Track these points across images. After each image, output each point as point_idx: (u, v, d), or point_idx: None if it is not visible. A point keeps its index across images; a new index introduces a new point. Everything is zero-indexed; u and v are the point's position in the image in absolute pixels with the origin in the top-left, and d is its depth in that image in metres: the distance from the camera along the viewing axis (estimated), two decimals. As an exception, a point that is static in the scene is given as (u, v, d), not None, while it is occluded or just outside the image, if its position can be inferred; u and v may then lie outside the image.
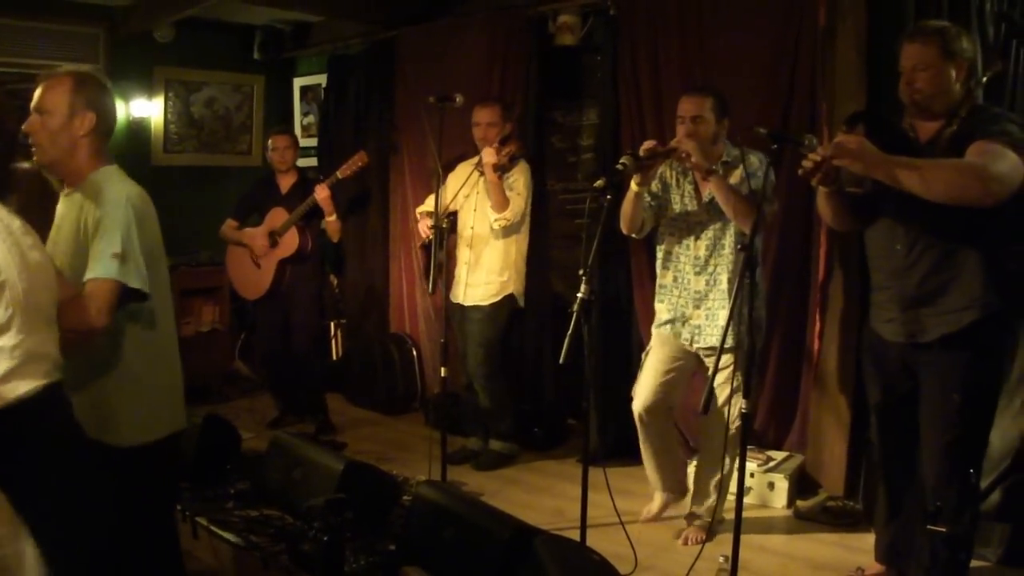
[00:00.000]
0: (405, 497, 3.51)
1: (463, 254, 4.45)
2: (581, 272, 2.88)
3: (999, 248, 2.66)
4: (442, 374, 4.04)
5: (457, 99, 4.07)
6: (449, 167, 4.51)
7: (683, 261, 3.47)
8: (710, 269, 3.42)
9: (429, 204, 4.61)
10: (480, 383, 4.45)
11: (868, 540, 3.26)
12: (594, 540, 3.02)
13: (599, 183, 2.97)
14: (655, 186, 3.49)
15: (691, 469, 3.73)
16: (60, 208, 2.43)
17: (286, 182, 5.07)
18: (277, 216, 4.98)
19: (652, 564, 3.30)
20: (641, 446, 3.62)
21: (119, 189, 2.33)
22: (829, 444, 3.84)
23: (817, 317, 3.88)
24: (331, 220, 4.93)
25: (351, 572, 2.94)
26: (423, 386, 5.62)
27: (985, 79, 2.84)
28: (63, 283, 2.15)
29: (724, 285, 3.39)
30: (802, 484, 3.93)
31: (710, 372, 2.78)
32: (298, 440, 3.79)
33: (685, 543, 3.48)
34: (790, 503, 3.85)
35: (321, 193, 4.82)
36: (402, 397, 5.59)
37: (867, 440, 3.38)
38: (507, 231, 4.32)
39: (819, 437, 3.90)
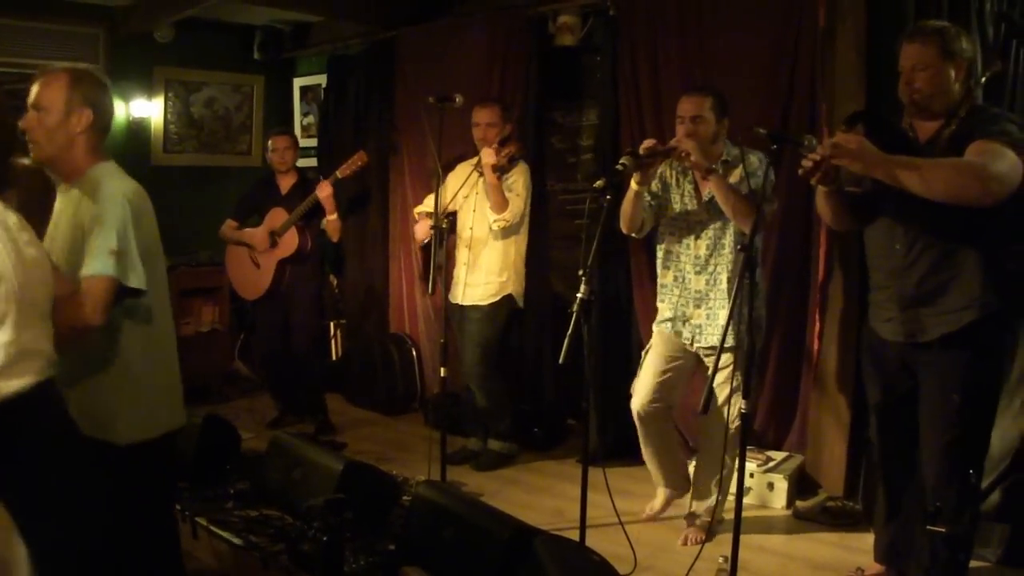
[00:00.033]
0: (405, 497, 3.50)
1: (462, 254, 4.45)
2: (581, 272, 2.88)
3: (998, 248, 2.66)
4: (442, 374, 4.04)
5: (457, 99, 4.07)
6: (449, 167, 4.51)
7: (683, 261, 3.47)
8: (710, 269, 3.42)
9: (428, 204, 4.62)
10: (476, 383, 4.45)
11: (868, 540, 3.26)
12: (594, 540, 3.02)
13: (599, 183, 2.97)
14: (655, 185, 3.49)
15: (691, 469, 3.72)
16: (58, 204, 2.43)
17: (286, 183, 5.07)
18: (277, 216, 4.98)
19: (651, 564, 3.30)
20: (641, 445, 3.63)
21: (116, 185, 2.33)
22: (829, 444, 3.84)
23: (817, 317, 3.88)
24: (332, 219, 4.93)
25: (351, 572, 2.94)
26: (423, 386, 5.62)
27: (984, 79, 2.84)
28: (59, 279, 2.15)
29: (724, 285, 3.39)
30: (802, 484, 3.93)
31: (710, 372, 2.78)
32: (298, 440, 3.79)
33: (685, 543, 3.48)
34: (790, 503, 3.85)
35: (324, 191, 4.82)
36: (402, 397, 5.59)
37: (867, 440, 3.38)
38: (506, 232, 4.32)
39: (819, 437, 3.90)
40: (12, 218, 1.96)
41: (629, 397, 3.61)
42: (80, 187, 2.35)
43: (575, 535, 3.00)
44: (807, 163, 2.64)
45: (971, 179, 2.47)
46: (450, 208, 4.41)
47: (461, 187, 4.41)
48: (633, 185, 3.32)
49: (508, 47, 4.95)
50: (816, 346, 3.88)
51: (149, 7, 5.67)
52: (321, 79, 6.35)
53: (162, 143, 6.30)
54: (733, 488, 2.94)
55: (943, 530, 2.64)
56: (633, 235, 3.55)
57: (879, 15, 3.58)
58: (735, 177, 3.32)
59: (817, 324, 3.87)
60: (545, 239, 4.93)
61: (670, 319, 3.51)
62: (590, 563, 2.74)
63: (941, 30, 2.68)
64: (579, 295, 2.85)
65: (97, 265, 2.21)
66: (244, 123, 6.69)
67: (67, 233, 2.34)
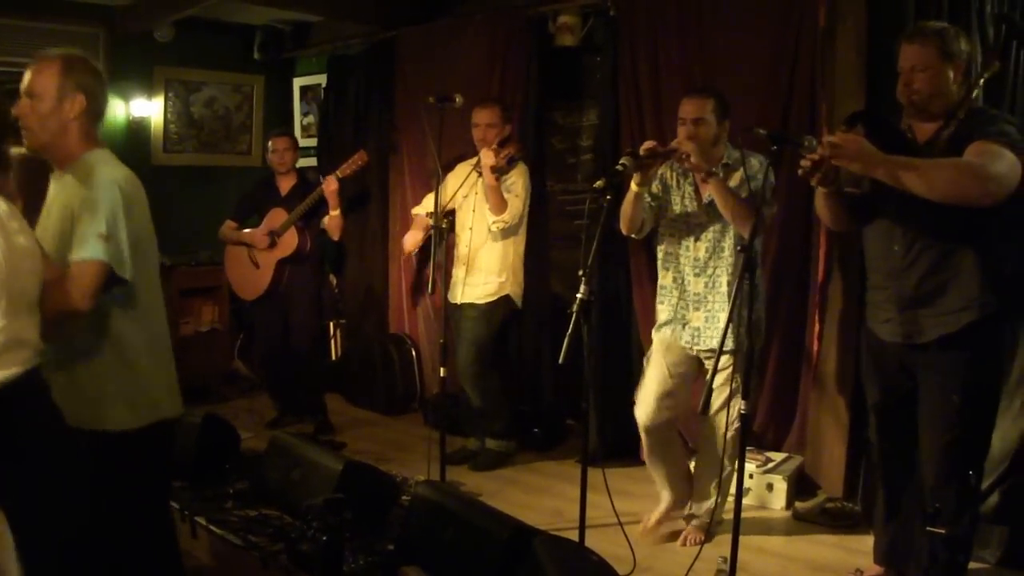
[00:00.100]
0: (404, 497, 3.50)
1: (461, 254, 4.45)
2: (580, 273, 2.87)
3: (997, 249, 2.66)
4: (441, 374, 4.04)
5: (457, 99, 4.07)
6: (448, 167, 4.51)
7: (682, 262, 3.47)
8: (709, 271, 3.41)
9: (427, 204, 4.62)
10: (470, 382, 4.45)
11: (867, 542, 3.26)
12: (593, 541, 3.02)
13: (599, 184, 2.97)
14: (655, 187, 3.49)
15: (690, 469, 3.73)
16: (51, 190, 2.42)
17: (286, 184, 5.07)
18: (277, 216, 4.98)
19: (650, 565, 3.30)
20: (646, 456, 3.59)
21: (108, 172, 2.32)
22: (828, 445, 3.84)
23: (816, 318, 3.88)
24: (334, 215, 4.92)
25: (350, 572, 2.94)
26: (422, 386, 5.62)
27: (983, 80, 2.84)
28: (49, 265, 2.14)
29: (724, 288, 3.38)
30: (801, 485, 3.93)
31: (709, 373, 2.78)
32: (297, 440, 3.79)
33: (684, 544, 3.48)
34: (789, 504, 3.85)
35: (330, 186, 4.82)
36: (401, 397, 5.59)
37: (866, 441, 3.38)
38: (505, 233, 4.32)
39: (818, 438, 3.90)
40: (2, 207, 1.96)
41: (629, 398, 3.60)
42: (73, 173, 2.34)
43: (574, 535, 3.00)
44: (806, 163, 2.64)
45: (971, 180, 2.47)
46: (449, 206, 4.41)
47: (460, 187, 4.41)
48: (633, 186, 3.32)
49: (508, 47, 4.95)
50: (816, 347, 3.88)
51: (149, 7, 5.67)
52: (321, 79, 6.34)
53: (162, 143, 6.30)
54: (732, 489, 2.94)
55: (942, 531, 2.64)
56: (633, 236, 3.54)
57: (879, 15, 3.58)
58: (735, 180, 3.32)
59: (817, 325, 3.87)
60: (545, 239, 4.93)
61: (668, 322, 3.50)
62: (589, 563, 2.74)
63: (940, 31, 2.68)
64: (579, 295, 2.85)
65: (87, 250, 2.20)
66: (244, 123, 6.69)
67: (58, 219, 2.32)
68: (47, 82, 2.31)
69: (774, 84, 3.94)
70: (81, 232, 2.22)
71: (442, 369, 4.02)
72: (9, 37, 5.33)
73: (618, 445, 4.35)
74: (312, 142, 6.47)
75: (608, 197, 2.95)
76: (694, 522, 3.54)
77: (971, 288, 2.63)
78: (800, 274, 3.98)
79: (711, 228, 3.39)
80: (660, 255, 3.55)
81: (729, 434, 3.30)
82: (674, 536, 3.55)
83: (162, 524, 2.64)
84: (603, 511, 3.25)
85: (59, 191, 2.38)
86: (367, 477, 3.47)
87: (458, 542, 2.90)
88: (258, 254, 5.04)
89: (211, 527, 3.38)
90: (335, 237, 5.07)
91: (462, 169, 4.50)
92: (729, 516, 3.06)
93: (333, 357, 6.23)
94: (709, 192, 3.32)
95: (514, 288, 4.44)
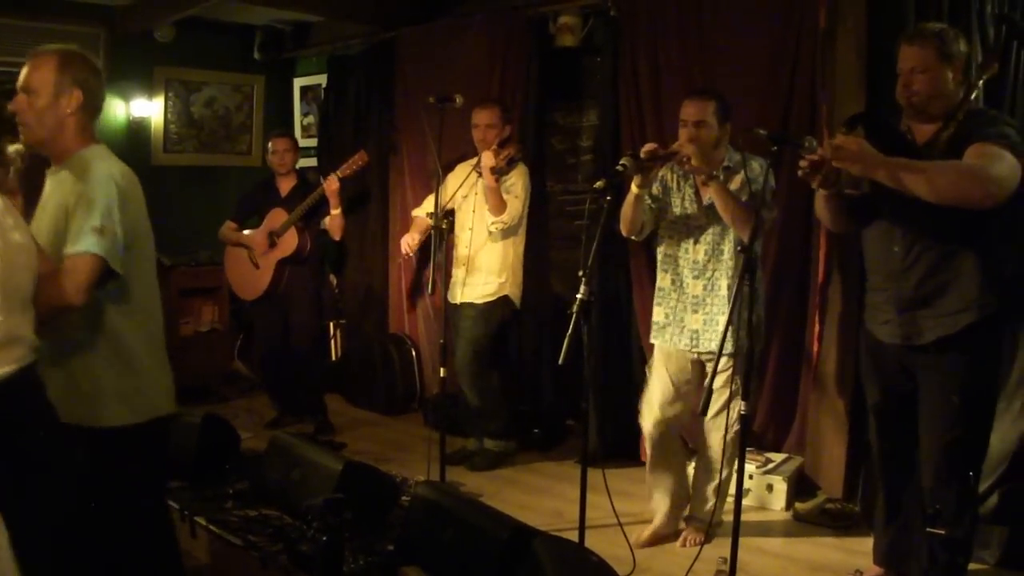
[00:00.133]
0: (404, 498, 3.51)
1: (460, 255, 4.45)
2: (580, 273, 2.87)
3: (997, 250, 2.66)
4: (441, 375, 4.04)
5: (457, 100, 4.07)
6: (449, 168, 4.52)
7: (681, 265, 3.46)
8: (708, 274, 3.40)
9: (427, 206, 4.62)
10: (468, 382, 4.45)
11: (867, 543, 3.25)
12: (592, 541, 3.01)
13: (599, 184, 2.96)
14: (656, 188, 3.48)
15: (690, 470, 3.72)
16: (47, 185, 2.42)
17: (286, 185, 5.08)
18: (277, 217, 4.98)
19: (650, 566, 3.30)
20: (649, 466, 3.57)
21: (104, 167, 2.31)
22: (828, 446, 3.84)
23: (816, 319, 3.88)
24: (335, 214, 4.92)
25: (350, 572, 2.94)
26: (422, 386, 5.62)
27: (981, 82, 2.84)
28: (44, 260, 2.14)
29: (723, 292, 3.37)
30: (801, 486, 3.92)
31: (709, 375, 2.78)
32: (297, 440, 3.79)
33: (683, 545, 3.48)
34: (789, 505, 3.85)
35: (331, 185, 4.82)
36: (401, 397, 5.59)
37: (866, 442, 3.38)
38: (504, 233, 4.33)
39: (818, 439, 3.90)
40: None
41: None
42: (69, 168, 2.34)
43: (574, 536, 3.00)
44: (804, 163, 2.65)
45: (972, 182, 2.47)
46: (449, 206, 4.41)
47: (460, 187, 4.41)
48: (634, 188, 3.32)
49: (508, 48, 4.95)
50: (816, 348, 3.88)
51: (149, 7, 5.67)
52: (321, 79, 6.35)
53: (162, 143, 6.30)
54: (732, 490, 2.93)
55: (942, 532, 2.64)
56: (633, 238, 3.54)
57: (879, 16, 3.58)
58: (736, 183, 3.31)
59: (817, 326, 3.87)
60: (545, 240, 4.93)
61: (665, 325, 3.49)
62: (589, 564, 2.74)
63: (939, 32, 2.68)
64: (579, 296, 2.85)
65: (81, 243, 2.19)
66: (244, 123, 6.69)
67: (53, 214, 2.32)
68: (44, 78, 2.31)
69: (774, 85, 3.94)
70: (76, 226, 2.21)
71: (442, 369, 4.03)
72: (9, 37, 5.33)
73: (618, 446, 4.36)
74: (312, 142, 6.47)
75: (608, 198, 2.95)
76: (694, 523, 3.54)
77: (971, 290, 2.63)
78: (800, 275, 3.97)
79: (710, 230, 3.39)
80: (659, 257, 3.55)
81: (729, 436, 3.30)
82: (674, 537, 3.55)
83: (159, 521, 2.63)
84: (603, 511, 3.25)
85: (55, 187, 2.37)
86: (367, 477, 3.47)
87: (458, 542, 2.90)
88: (258, 255, 5.04)
89: (211, 527, 3.38)
90: (336, 237, 5.07)
91: (462, 170, 4.50)
92: (729, 517, 3.06)
93: (333, 357, 6.23)
94: (709, 195, 3.32)
95: (513, 289, 4.44)
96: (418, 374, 5.63)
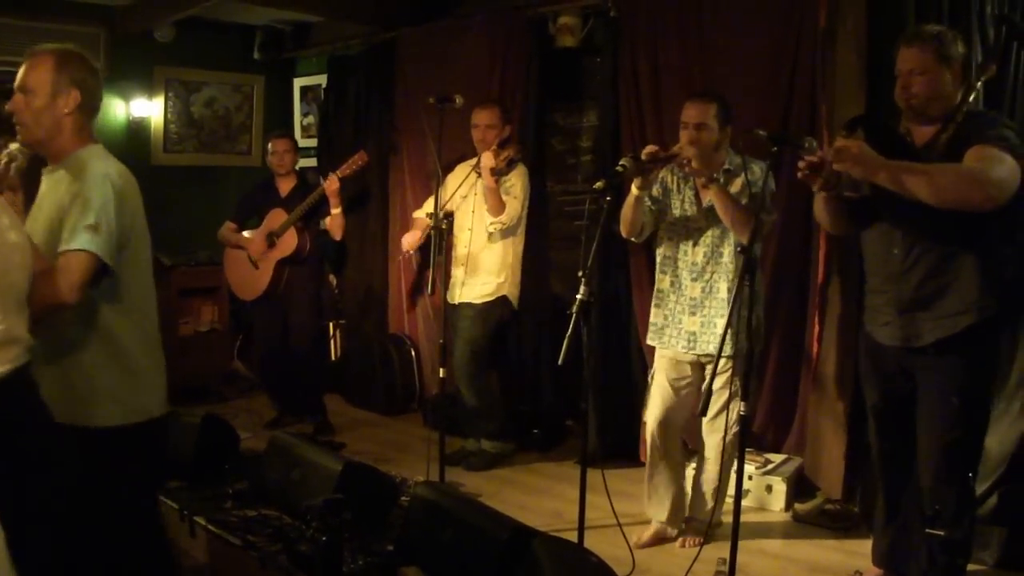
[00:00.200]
0: (403, 498, 3.50)
1: (459, 255, 4.45)
2: (580, 273, 2.88)
3: (997, 252, 2.67)
4: (441, 375, 4.04)
5: (457, 100, 4.07)
6: (448, 168, 4.52)
7: (680, 266, 3.45)
8: (706, 276, 3.40)
9: (428, 207, 4.62)
10: (465, 382, 4.45)
11: (866, 544, 3.25)
12: (592, 542, 3.01)
13: (599, 185, 2.96)
14: (656, 190, 3.48)
15: (689, 472, 3.72)
16: (43, 185, 2.41)
17: (285, 185, 5.08)
18: (276, 217, 4.98)
19: (649, 566, 3.30)
20: (648, 472, 3.56)
21: (101, 166, 2.31)
22: (827, 447, 3.84)
23: (816, 320, 3.87)
24: (336, 213, 4.92)
25: (349, 573, 2.94)
26: (421, 387, 5.62)
27: (980, 84, 2.84)
28: (39, 258, 2.13)
29: (721, 294, 3.36)
30: (800, 487, 3.92)
31: (708, 376, 2.78)
32: (297, 440, 3.78)
33: (683, 545, 3.48)
34: (788, 506, 3.85)
35: (332, 184, 4.83)
36: (401, 398, 5.59)
37: (866, 443, 3.38)
38: (503, 234, 4.33)
39: (817, 440, 3.90)
40: None
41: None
42: (66, 168, 2.33)
43: (573, 536, 3.00)
44: (803, 165, 2.65)
45: (972, 185, 2.48)
46: (448, 208, 4.41)
47: (459, 187, 4.41)
48: (634, 190, 3.32)
49: (508, 48, 4.95)
50: (815, 349, 3.88)
51: (149, 7, 5.68)
52: (321, 79, 6.35)
53: (162, 143, 6.30)
54: (731, 491, 2.93)
55: (942, 534, 2.64)
56: (632, 239, 3.54)
57: (879, 17, 3.58)
58: (737, 186, 3.31)
59: (816, 327, 3.87)
60: (545, 240, 4.93)
61: (662, 327, 3.49)
62: (588, 564, 2.74)
63: (938, 34, 2.68)
64: (578, 296, 2.85)
65: (76, 241, 2.18)
66: (244, 123, 6.69)
67: (48, 213, 2.31)
68: (41, 77, 2.30)
69: (774, 85, 3.94)
70: (71, 224, 2.20)
71: (441, 370, 4.03)
72: (9, 37, 5.33)
73: (617, 446, 4.36)
74: (312, 142, 6.47)
75: (608, 198, 2.95)
76: (693, 524, 3.54)
77: (970, 291, 2.63)
78: (800, 276, 3.97)
79: (710, 233, 3.38)
80: (659, 258, 3.55)
81: (728, 437, 3.31)
82: (673, 538, 3.55)
83: (152, 523, 2.62)
84: (602, 512, 3.25)
85: (51, 186, 2.36)
86: (366, 477, 3.47)
87: (457, 543, 2.90)
88: (255, 256, 5.04)
89: (210, 527, 3.38)
90: (337, 237, 5.07)
91: (461, 170, 4.51)
92: (728, 518, 3.06)
93: (333, 357, 6.23)
94: (709, 197, 3.31)
95: (511, 289, 4.44)
96: (417, 374, 5.63)
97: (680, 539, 3.52)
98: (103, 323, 2.33)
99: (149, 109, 6.19)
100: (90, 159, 2.33)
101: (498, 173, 4.23)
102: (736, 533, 2.72)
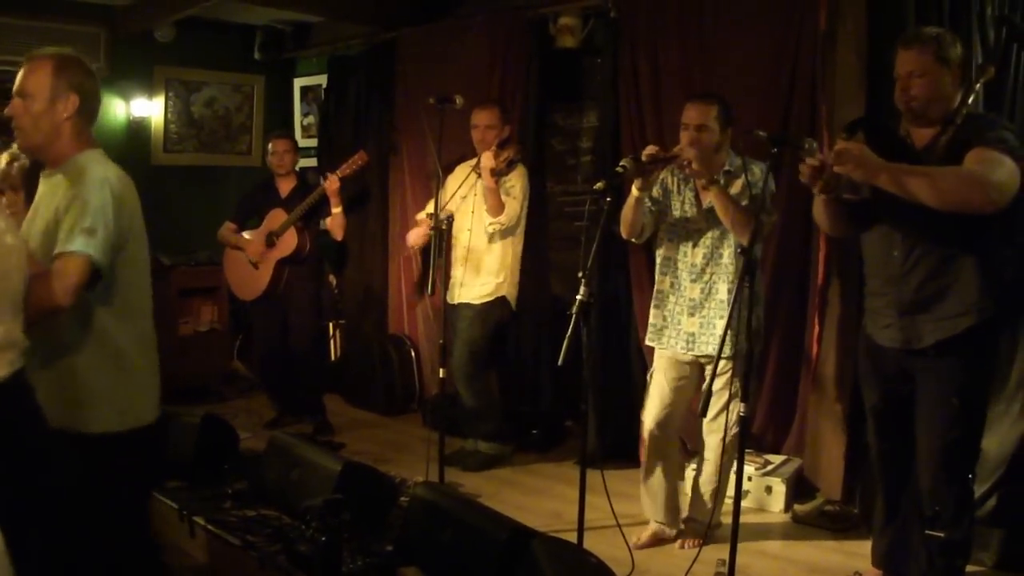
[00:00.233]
0: (403, 498, 3.51)
1: (459, 256, 4.45)
2: (580, 274, 2.87)
3: (997, 253, 2.67)
4: (440, 375, 4.04)
5: (457, 101, 4.07)
6: (449, 169, 4.51)
7: (680, 268, 3.45)
8: (706, 277, 3.39)
9: (430, 207, 4.62)
10: (463, 383, 4.45)
11: (866, 545, 3.25)
12: (591, 542, 3.01)
13: (599, 186, 2.96)
14: (656, 191, 3.47)
15: (689, 472, 3.72)
16: (40, 189, 2.40)
17: (285, 186, 5.08)
18: (276, 217, 4.98)
19: (648, 567, 3.30)
20: (644, 472, 3.55)
21: (100, 170, 2.30)
22: (827, 448, 3.84)
23: (816, 321, 3.88)
24: (336, 212, 4.92)
25: (348, 573, 2.94)
26: (421, 387, 5.62)
27: (979, 86, 2.84)
28: (33, 263, 2.12)
29: (721, 295, 3.36)
30: (800, 488, 3.92)
31: (708, 377, 2.78)
32: (296, 440, 3.78)
33: (682, 547, 3.48)
34: (788, 507, 3.85)
35: (332, 184, 4.83)
36: (400, 398, 5.59)
37: (865, 444, 3.38)
38: (502, 234, 4.33)
39: (817, 441, 3.90)
40: None
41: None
42: (64, 173, 2.32)
43: (573, 537, 2.99)
44: (805, 167, 2.65)
45: (973, 188, 2.48)
46: (448, 209, 4.41)
47: (459, 188, 4.41)
48: (634, 191, 3.31)
49: (508, 49, 4.95)
50: (815, 350, 3.88)
51: (150, 7, 5.68)
52: (321, 79, 6.35)
53: (162, 143, 6.30)
54: (731, 492, 2.93)
55: (941, 535, 2.64)
56: (633, 240, 3.54)
57: (880, 18, 3.58)
58: (737, 188, 3.31)
59: (816, 328, 3.87)
60: (545, 241, 4.93)
61: (661, 328, 3.48)
62: (587, 565, 2.74)
63: (937, 37, 2.68)
64: (578, 297, 2.85)
65: (72, 244, 2.17)
66: (244, 123, 6.70)
67: (45, 218, 2.30)
68: (40, 82, 2.29)
69: (774, 86, 3.94)
70: (67, 226, 2.19)
71: (441, 370, 4.02)
72: (9, 36, 5.33)
73: (617, 447, 4.36)
74: (312, 143, 6.48)
75: (608, 199, 2.95)
76: (692, 524, 3.53)
77: (970, 293, 2.63)
78: (799, 277, 3.97)
79: (709, 234, 3.38)
80: (659, 260, 3.54)
81: (728, 438, 3.30)
82: (672, 538, 3.55)
83: (141, 534, 2.60)
84: (602, 513, 3.24)
85: (49, 190, 2.35)
86: (366, 478, 3.47)
87: (457, 543, 2.90)
88: (253, 257, 5.04)
89: (209, 527, 3.38)
90: (338, 237, 5.07)
91: (461, 171, 4.51)
92: (728, 519, 3.06)
93: (332, 358, 6.23)
94: (709, 199, 3.31)
95: (510, 289, 4.44)
96: (417, 375, 5.63)
97: (679, 540, 3.52)
98: (99, 325, 2.32)
99: (149, 109, 6.19)
100: (88, 163, 2.32)
101: (498, 174, 4.23)
102: (735, 534, 2.72)
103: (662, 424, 3.45)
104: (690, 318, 3.42)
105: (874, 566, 3.11)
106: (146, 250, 2.47)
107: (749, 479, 3.86)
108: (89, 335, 2.31)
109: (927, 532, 2.68)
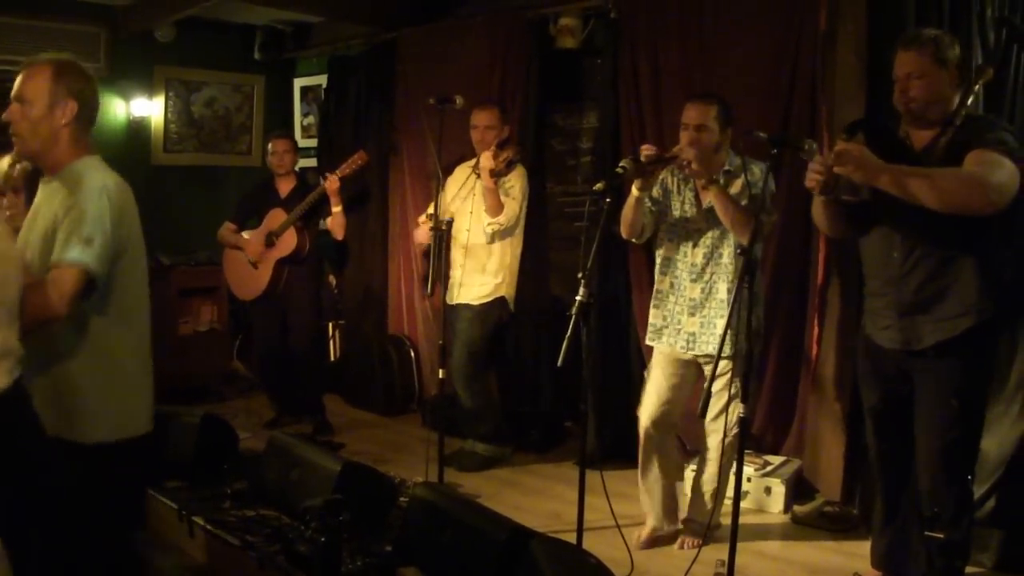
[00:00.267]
0: (402, 498, 3.51)
1: (458, 256, 4.45)
2: (580, 275, 2.87)
3: (996, 254, 2.67)
4: (440, 376, 4.04)
5: (457, 101, 4.07)
6: (448, 169, 4.51)
7: (680, 268, 3.45)
8: (706, 277, 3.39)
9: (431, 209, 4.62)
10: (462, 383, 4.45)
11: (865, 546, 3.25)
12: (590, 543, 3.01)
13: (599, 186, 2.96)
14: (656, 191, 3.47)
15: (688, 473, 3.72)
16: (38, 196, 2.39)
17: (285, 186, 5.08)
18: (276, 217, 4.98)
19: (648, 568, 3.30)
20: (641, 469, 3.55)
21: (98, 178, 2.29)
22: (826, 449, 3.84)
23: (815, 322, 3.88)
24: (337, 212, 4.92)
25: (348, 573, 2.94)
26: (421, 387, 5.62)
27: (978, 87, 2.84)
28: (28, 273, 2.12)
29: (721, 295, 3.36)
30: (799, 489, 3.92)
31: (707, 378, 2.78)
32: (296, 440, 3.78)
33: (681, 547, 3.48)
34: (787, 508, 3.85)
35: (332, 184, 4.83)
36: (400, 398, 5.59)
37: (865, 445, 3.38)
38: (501, 234, 4.33)
39: (816, 442, 3.90)
40: None
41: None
42: (62, 180, 2.31)
43: (572, 537, 2.99)
44: (815, 177, 2.66)
45: (974, 189, 2.48)
46: (448, 211, 4.41)
47: (459, 189, 4.41)
48: (634, 191, 3.31)
49: (509, 49, 4.95)
50: (815, 351, 3.88)
51: (150, 6, 5.68)
52: (322, 79, 6.35)
53: (162, 143, 6.30)
54: (730, 492, 2.93)
55: (940, 536, 2.64)
56: (632, 240, 3.54)
57: (880, 18, 3.58)
58: (737, 187, 3.31)
59: (816, 329, 3.87)
60: (544, 241, 4.93)
61: (661, 328, 3.48)
62: (587, 566, 2.74)
63: (935, 38, 2.68)
64: (578, 297, 2.85)
65: (68, 253, 2.16)
66: (244, 123, 6.69)
67: (43, 225, 2.29)
68: (38, 88, 2.28)
69: (774, 87, 3.94)
70: (64, 235, 2.18)
71: (441, 370, 4.02)
72: (9, 36, 5.33)
73: (616, 447, 4.35)
74: (312, 143, 6.48)
75: (608, 199, 2.95)
76: (692, 525, 3.53)
77: (970, 294, 2.64)
78: (799, 278, 3.97)
79: (709, 234, 3.38)
80: (658, 260, 3.54)
81: (727, 438, 3.30)
82: (671, 539, 3.55)
83: (128, 548, 2.60)
84: (601, 513, 3.24)
85: (47, 197, 2.34)
86: (365, 478, 3.47)
87: (456, 544, 2.90)
88: (252, 257, 5.04)
89: (208, 527, 3.38)
90: (339, 236, 5.07)
91: (461, 172, 4.51)
92: (727, 519, 3.06)
93: (332, 358, 6.23)
94: (709, 199, 3.31)
95: (509, 290, 4.44)
96: (417, 375, 5.63)
97: (679, 540, 3.51)
98: (94, 333, 2.31)
99: (149, 109, 6.19)
100: (86, 171, 2.30)
101: (497, 174, 4.23)
102: (735, 535, 2.72)
103: (657, 421, 3.45)
104: (690, 318, 3.41)
105: (873, 567, 3.11)
106: (144, 257, 2.46)
107: (748, 480, 3.86)
108: (84, 343, 2.29)
109: (926, 533, 2.69)
